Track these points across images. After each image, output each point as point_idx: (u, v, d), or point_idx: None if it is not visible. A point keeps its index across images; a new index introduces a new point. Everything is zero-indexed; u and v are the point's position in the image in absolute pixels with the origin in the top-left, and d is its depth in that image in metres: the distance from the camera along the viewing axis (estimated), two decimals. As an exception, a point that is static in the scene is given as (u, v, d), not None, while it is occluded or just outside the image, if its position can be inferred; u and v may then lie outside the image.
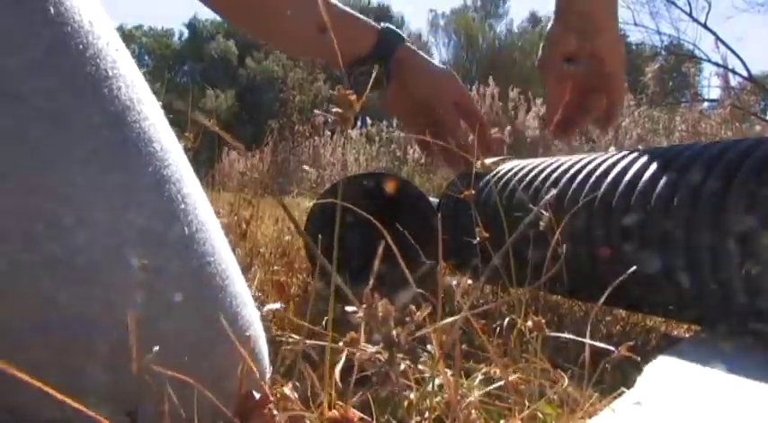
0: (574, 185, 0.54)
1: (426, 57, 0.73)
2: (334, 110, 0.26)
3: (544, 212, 0.39)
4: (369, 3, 17.44)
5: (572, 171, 0.56)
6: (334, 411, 0.24)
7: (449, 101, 0.69)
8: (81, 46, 0.25)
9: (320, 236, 0.29)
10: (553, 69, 0.65)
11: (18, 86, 0.24)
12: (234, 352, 0.28)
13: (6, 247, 0.23)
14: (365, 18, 0.73)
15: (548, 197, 0.54)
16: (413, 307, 0.24)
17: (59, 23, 0.25)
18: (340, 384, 0.31)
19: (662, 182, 0.45)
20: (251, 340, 0.30)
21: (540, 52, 0.68)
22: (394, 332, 0.23)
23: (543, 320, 0.33)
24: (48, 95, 0.24)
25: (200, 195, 0.31)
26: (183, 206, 0.28)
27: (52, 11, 0.25)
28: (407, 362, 0.30)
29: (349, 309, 0.24)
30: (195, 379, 0.26)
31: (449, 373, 0.34)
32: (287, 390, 0.29)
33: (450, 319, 0.27)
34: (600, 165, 0.54)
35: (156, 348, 0.24)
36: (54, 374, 0.24)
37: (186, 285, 0.28)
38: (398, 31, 0.73)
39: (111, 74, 0.27)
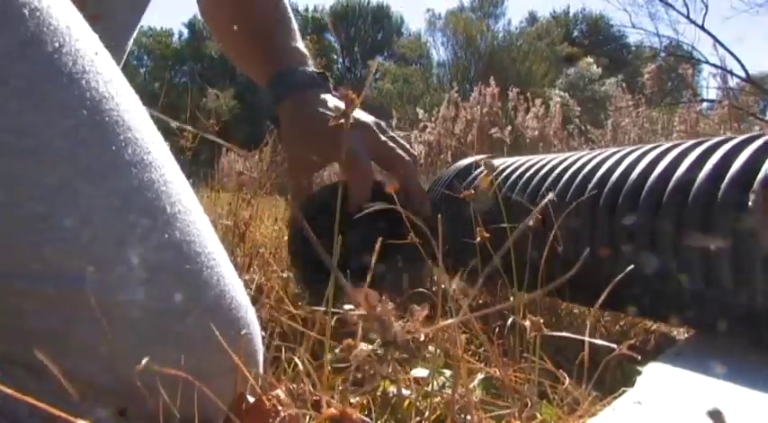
0: (560, 185, 0.54)
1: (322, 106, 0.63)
2: (335, 105, 0.26)
3: (532, 208, 0.39)
4: (368, 3, 17.44)
5: (559, 169, 0.56)
6: (333, 409, 0.24)
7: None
8: (57, 44, 0.28)
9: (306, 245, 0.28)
10: None
11: None
12: (221, 329, 0.28)
13: None
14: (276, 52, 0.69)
15: (546, 199, 0.54)
16: (414, 306, 0.24)
17: (34, 23, 0.27)
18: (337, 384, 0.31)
19: (670, 183, 0.45)
20: (238, 321, 0.30)
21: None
22: (392, 331, 0.23)
23: (542, 320, 0.33)
24: (25, 79, 0.26)
25: (184, 186, 0.32)
26: (164, 188, 0.30)
27: (26, 12, 0.27)
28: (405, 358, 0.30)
29: (347, 307, 0.24)
30: (176, 352, 0.27)
31: (448, 373, 0.34)
32: (281, 392, 0.29)
33: (449, 321, 0.27)
34: (587, 163, 0.54)
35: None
36: (41, 324, 0.26)
37: (167, 258, 0.29)
38: (303, 73, 0.66)
39: (88, 70, 0.29)
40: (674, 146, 0.48)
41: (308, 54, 0.71)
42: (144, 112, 0.32)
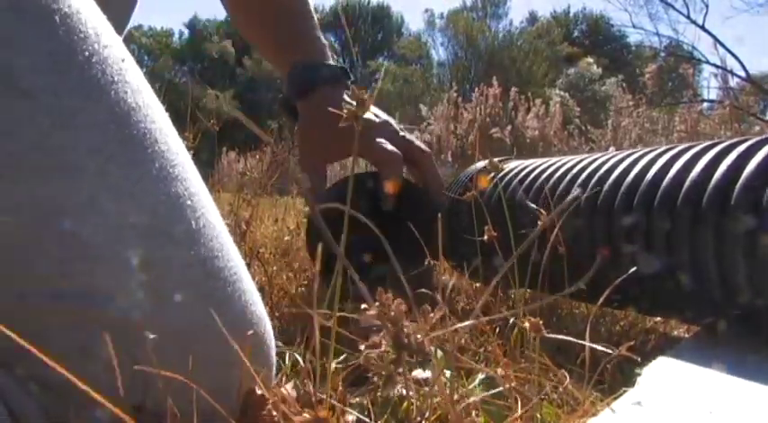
0: (577, 185, 0.54)
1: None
2: (346, 107, 0.26)
3: (542, 211, 0.39)
4: (368, 2, 17.45)
5: (574, 171, 0.56)
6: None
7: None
8: (87, 53, 0.27)
9: (323, 236, 0.28)
10: None
11: (27, 83, 0.25)
12: (240, 345, 0.28)
13: (21, 221, 0.25)
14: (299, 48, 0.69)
15: (569, 198, 0.54)
16: (427, 306, 0.24)
17: (64, 31, 0.27)
18: (341, 385, 0.31)
19: (664, 181, 0.45)
20: (258, 336, 0.30)
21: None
22: (405, 333, 0.23)
23: (541, 321, 0.33)
24: (54, 93, 0.26)
25: (207, 198, 0.32)
26: (189, 202, 0.30)
27: (57, 19, 0.27)
28: (415, 363, 0.30)
29: (362, 307, 0.23)
30: (197, 370, 0.26)
31: (448, 373, 0.34)
32: (287, 389, 0.29)
33: (460, 324, 0.27)
34: (602, 165, 0.54)
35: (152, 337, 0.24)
36: (64, 342, 0.26)
37: (192, 276, 0.28)
38: (328, 68, 0.68)
39: (116, 79, 0.28)
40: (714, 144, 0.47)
41: (327, 45, 0.73)
42: (168, 121, 0.32)
